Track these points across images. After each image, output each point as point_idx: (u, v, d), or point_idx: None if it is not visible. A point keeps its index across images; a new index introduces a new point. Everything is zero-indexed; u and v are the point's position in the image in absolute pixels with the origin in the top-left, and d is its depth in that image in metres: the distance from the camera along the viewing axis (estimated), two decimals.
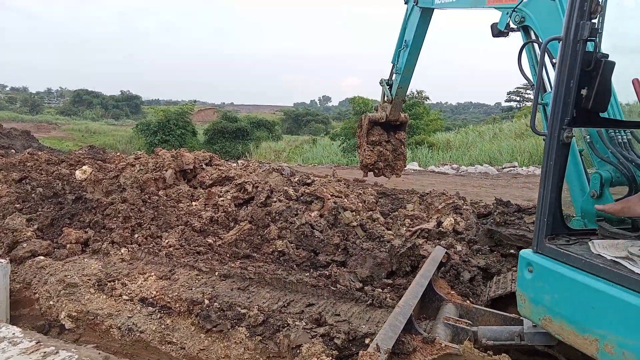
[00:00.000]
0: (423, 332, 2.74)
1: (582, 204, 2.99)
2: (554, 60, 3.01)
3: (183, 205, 6.28)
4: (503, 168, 17.19)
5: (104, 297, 4.31)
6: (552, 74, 3.16)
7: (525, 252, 2.58)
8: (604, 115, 2.90)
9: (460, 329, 2.93)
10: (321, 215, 5.81)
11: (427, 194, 7.02)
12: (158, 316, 4.02)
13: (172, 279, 4.55)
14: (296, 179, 7.10)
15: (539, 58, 2.85)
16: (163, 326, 3.92)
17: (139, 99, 77.05)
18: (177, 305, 4.00)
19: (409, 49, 5.47)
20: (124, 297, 4.26)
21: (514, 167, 17.06)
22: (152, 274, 4.60)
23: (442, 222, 5.81)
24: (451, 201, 6.43)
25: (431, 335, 2.69)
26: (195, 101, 43.73)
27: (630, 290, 2.00)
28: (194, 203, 6.33)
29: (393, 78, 5.94)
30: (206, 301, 4.00)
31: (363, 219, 5.84)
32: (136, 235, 5.48)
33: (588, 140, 3.02)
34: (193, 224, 5.70)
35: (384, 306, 3.98)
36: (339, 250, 5.25)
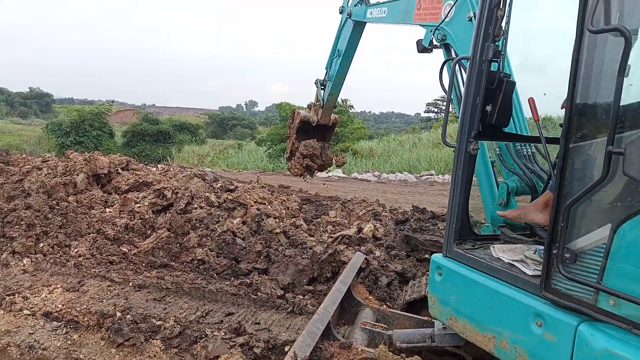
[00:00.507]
0: (341, 338, 2.78)
1: (491, 212, 3.18)
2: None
3: (95, 211, 5.93)
4: (421, 176, 18.01)
5: (1, 312, 3.95)
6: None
7: (436, 257, 2.68)
8: (509, 129, 3.16)
9: (376, 333, 3.01)
10: (244, 222, 5.74)
11: (349, 200, 7.19)
12: (64, 331, 3.75)
13: (81, 290, 4.28)
14: (219, 184, 6.96)
15: (449, 75, 3.02)
16: (69, 342, 3.66)
17: (50, 97, 71.72)
18: (86, 319, 3.77)
19: (341, 58, 5.63)
20: (25, 311, 3.94)
21: (431, 175, 17.93)
22: (59, 285, 4.30)
23: (363, 229, 5.97)
24: (371, 208, 6.63)
25: (348, 341, 2.74)
26: (113, 101, 41.49)
27: (522, 290, 2.11)
28: (107, 210, 6.00)
29: (326, 84, 6.12)
30: (118, 314, 3.80)
31: (286, 226, 5.85)
32: (41, 245, 5.10)
33: (497, 153, 3.26)
34: (106, 231, 5.40)
35: (305, 313, 4.01)
36: (261, 257, 5.22)
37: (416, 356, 2.66)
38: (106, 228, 5.53)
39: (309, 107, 6.45)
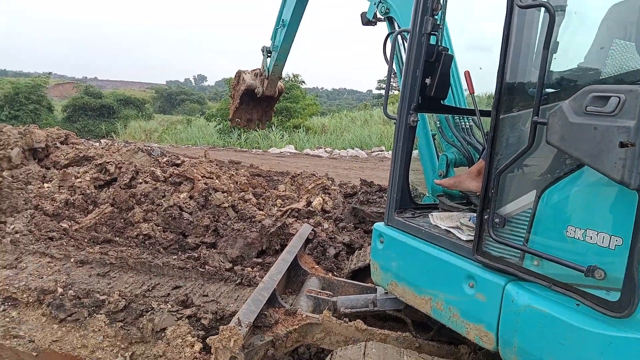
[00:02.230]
0: (286, 305, 2.85)
1: (431, 183, 3.30)
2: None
3: (33, 187, 5.66)
4: (372, 152, 18.30)
5: None
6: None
7: (378, 225, 2.75)
8: (448, 103, 3.26)
9: (321, 300, 3.10)
10: (191, 197, 5.66)
11: (298, 175, 7.22)
12: (1, 309, 3.62)
13: (19, 267, 4.12)
14: (165, 159, 6.80)
15: (391, 48, 3.06)
16: (7, 319, 3.55)
17: None
18: (25, 295, 3.65)
19: (286, 28, 5.54)
20: None
21: (382, 150, 18.25)
22: None
23: (312, 202, 6.04)
24: (320, 182, 6.70)
25: (293, 307, 2.81)
26: (50, 73, 39.17)
27: (456, 255, 2.23)
28: (46, 185, 5.74)
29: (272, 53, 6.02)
30: (59, 289, 3.70)
31: (235, 200, 5.82)
32: None
33: (438, 126, 3.35)
34: (45, 207, 5.18)
35: (254, 284, 4.05)
36: (209, 231, 5.19)
37: (359, 320, 2.77)
38: (45, 204, 5.30)
39: (256, 74, 6.33)
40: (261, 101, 6.45)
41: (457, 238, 2.32)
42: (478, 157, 3.19)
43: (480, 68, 3.07)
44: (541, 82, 1.77)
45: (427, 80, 2.60)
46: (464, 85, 3.48)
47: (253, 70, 6.34)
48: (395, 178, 2.66)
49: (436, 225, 2.51)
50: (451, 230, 2.42)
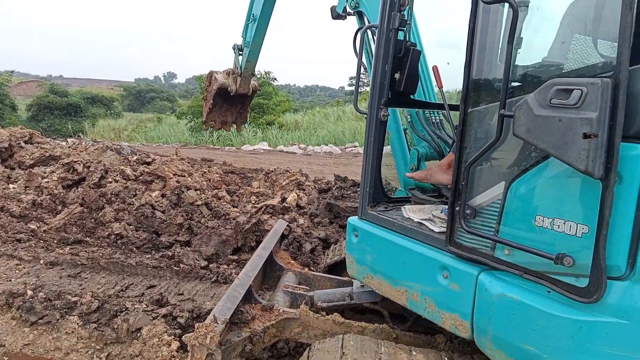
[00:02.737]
0: (262, 301, 2.85)
1: (403, 176, 3.35)
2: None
3: None
4: (346, 148, 18.39)
5: None
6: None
7: (352, 219, 2.77)
8: (418, 97, 3.32)
9: (298, 295, 3.12)
10: (163, 195, 5.59)
11: (272, 171, 7.21)
12: None
13: None
14: (135, 158, 6.68)
15: (358, 44, 3.08)
16: None
17: None
18: None
19: (257, 23, 5.48)
20: None
21: (355, 146, 18.35)
22: None
23: (286, 198, 6.04)
24: (294, 178, 6.70)
25: (270, 303, 2.82)
26: (12, 71, 37.84)
27: (429, 246, 2.27)
28: (11, 185, 5.57)
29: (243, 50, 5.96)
30: (29, 292, 3.60)
31: (208, 198, 5.77)
32: None
33: (409, 120, 3.38)
34: (11, 209, 5.03)
35: (229, 281, 4.03)
36: (183, 229, 5.14)
37: (336, 314, 2.79)
38: (10, 205, 5.15)
39: (228, 73, 6.24)
40: (235, 102, 6.35)
41: (430, 230, 2.36)
42: (448, 150, 3.26)
43: (448, 63, 3.13)
44: (507, 76, 1.81)
45: (397, 75, 2.64)
46: (434, 81, 3.54)
47: (225, 70, 6.26)
48: (368, 172, 2.68)
49: (409, 217, 2.55)
50: (424, 222, 2.46)
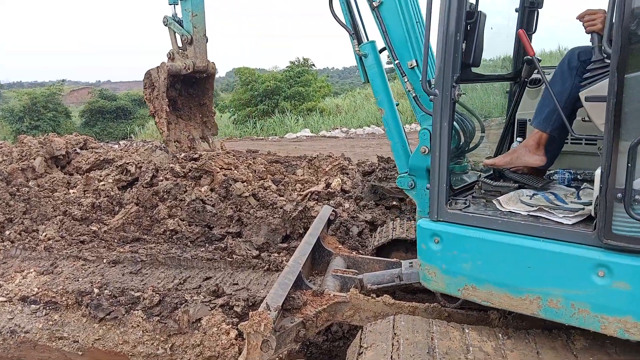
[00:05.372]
0: (313, 287, 2.90)
1: (412, 161, 2.86)
2: (374, 4, 2.79)
3: (59, 194, 5.83)
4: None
5: None
6: (367, 21, 3.00)
7: (425, 223, 2.36)
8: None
9: (347, 278, 3.15)
10: (212, 189, 5.76)
11: (315, 157, 7.25)
12: (44, 313, 3.78)
13: (55, 272, 4.28)
14: (182, 155, 6.90)
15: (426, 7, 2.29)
16: (51, 322, 3.70)
17: None
18: (64, 298, 3.79)
19: None
20: (1, 298, 3.93)
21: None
22: (32, 270, 4.29)
23: (331, 183, 6.07)
24: (337, 162, 6.72)
25: (320, 288, 2.87)
26: (64, 81, 39.80)
27: (570, 243, 1.96)
28: (71, 190, 5.91)
29: (181, 14, 4.89)
30: (96, 290, 3.84)
31: (255, 189, 5.89)
32: (7, 232, 5.03)
33: (413, 95, 2.84)
34: (73, 212, 5.34)
35: (281, 269, 4.11)
36: (233, 221, 5.28)
37: (386, 295, 2.80)
38: (72, 209, 5.47)
39: (170, 57, 5.27)
40: (194, 92, 5.40)
41: (554, 222, 2.05)
42: (469, 127, 2.87)
43: (492, 28, 2.83)
44: None
45: (463, 46, 2.26)
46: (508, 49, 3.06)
47: (167, 56, 5.24)
48: (442, 164, 2.28)
49: (511, 211, 2.21)
50: (536, 214, 2.15)
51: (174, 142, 5.39)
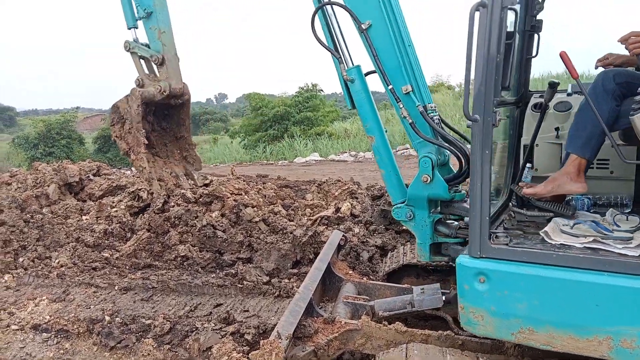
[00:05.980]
0: (323, 314, 2.89)
1: (411, 190, 2.76)
2: (363, 26, 2.71)
3: (72, 220, 5.90)
4: (397, 151, 18.17)
5: None
6: (350, 43, 2.92)
7: (466, 261, 2.17)
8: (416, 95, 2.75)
9: (359, 305, 3.13)
10: (222, 215, 5.78)
11: (324, 182, 7.27)
12: (55, 341, 3.78)
13: (67, 300, 4.30)
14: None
15: (475, 26, 2.07)
16: (62, 351, 3.70)
17: (13, 110, 69.66)
18: (75, 326, 3.79)
19: None
20: (13, 327, 3.94)
21: (406, 149, 18.10)
22: (44, 297, 4.31)
23: (340, 208, 6.08)
24: (346, 187, 6.73)
25: (332, 316, 2.85)
26: (77, 108, 40.62)
27: (635, 276, 1.85)
28: (84, 217, 5.97)
29: (145, 37, 4.50)
30: (107, 318, 3.84)
31: (265, 214, 5.91)
32: (21, 259, 5.07)
33: (410, 122, 2.74)
34: (85, 239, 5.39)
35: (292, 295, 4.10)
36: (244, 247, 5.29)
37: (398, 322, 2.77)
38: (85, 235, 5.52)
39: (139, 84, 4.77)
40: (168, 122, 4.98)
41: (623, 255, 1.93)
42: (462, 156, 2.73)
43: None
44: None
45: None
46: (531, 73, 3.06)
47: (135, 82, 4.78)
48: (480, 195, 2.10)
49: (563, 244, 2.09)
50: (592, 246, 2.03)
51: (157, 180, 5.00)
